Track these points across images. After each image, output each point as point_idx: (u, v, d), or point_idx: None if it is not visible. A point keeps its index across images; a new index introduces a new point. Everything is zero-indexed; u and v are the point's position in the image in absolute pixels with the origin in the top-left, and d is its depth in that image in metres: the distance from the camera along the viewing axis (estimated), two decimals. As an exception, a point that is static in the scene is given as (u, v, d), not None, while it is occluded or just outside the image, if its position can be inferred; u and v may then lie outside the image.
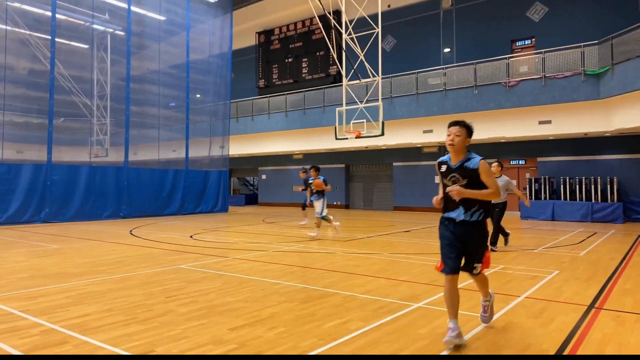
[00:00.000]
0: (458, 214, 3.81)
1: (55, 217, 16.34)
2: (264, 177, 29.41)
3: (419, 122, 20.11)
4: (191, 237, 11.85)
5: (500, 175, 9.15)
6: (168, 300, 5.21)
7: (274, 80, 28.13)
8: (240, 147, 25.91)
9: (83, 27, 19.95)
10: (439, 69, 20.07)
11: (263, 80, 28.59)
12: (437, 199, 3.90)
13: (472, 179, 3.74)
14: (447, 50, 22.17)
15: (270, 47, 28.38)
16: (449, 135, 3.82)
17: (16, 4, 17.44)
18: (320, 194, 11.23)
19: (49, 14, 17.22)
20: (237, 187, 34.87)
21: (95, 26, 20.15)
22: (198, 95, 23.01)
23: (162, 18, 21.46)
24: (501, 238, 9.60)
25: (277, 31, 28.10)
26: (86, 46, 20.59)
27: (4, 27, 17.17)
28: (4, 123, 16.85)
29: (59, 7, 17.64)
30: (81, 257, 8.50)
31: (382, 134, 16.20)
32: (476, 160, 3.76)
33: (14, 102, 17.49)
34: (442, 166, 3.96)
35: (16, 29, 17.41)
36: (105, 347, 3.67)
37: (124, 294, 5.55)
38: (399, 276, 6.63)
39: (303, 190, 14.39)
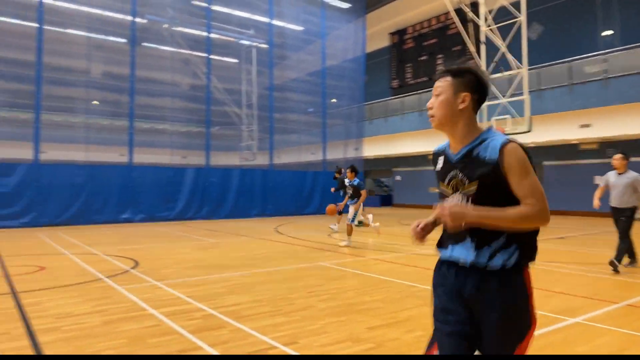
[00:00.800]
0: (464, 254, 1.85)
1: (213, 215, 18.40)
2: (398, 178, 29.20)
3: (574, 116, 17.95)
4: (329, 235, 12.30)
5: (626, 171, 6.91)
6: (309, 296, 5.48)
7: (407, 80, 27.78)
8: (374, 148, 26.13)
9: (233, 44, 22.15)
10: (599, 54, 17.68)
11: (397, 81, 28.43)
12: (418, 226, 1.92)
13: (490, 182, 1.78)
14: (608, 32, 19.43)
15: (403, 46, 28.11)
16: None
17: (179, 28, 20.14)
18: (357, 197, 10.11)
19: (205, 34, 19.51)
20: (372, 188, 35.22)
21: (242, 41, 22.20)
22: (333, 100, 23.83)
23: (300, 28, 22.74)
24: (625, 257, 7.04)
25: (410, 30, 27.71)
26: (235, 60, 22.80)
27: (170, 49, 19.98)
28: (172, 133, 19.62)
29: (213, 27, 19.86)
30: (235, 251, 9.41)
31: (529, 130, 14.87)
32: (497, 142, 1.78)
33: (179, 114, 20.23)
34: (439, 160, 2.01)
35: (180, 50, 20.10)
36: (254, 334, 4.00)
37: (270, 287, 5.99)
38: (553, 287, 5.99)
39: (335, 191, 13.91)
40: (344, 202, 10.63)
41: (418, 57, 27.13)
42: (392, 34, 28.71)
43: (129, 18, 17.54)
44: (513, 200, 1.75)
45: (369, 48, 27.01)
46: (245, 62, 22.63)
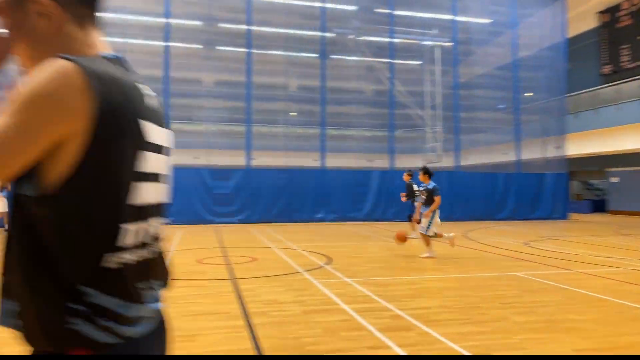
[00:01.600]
0: None
1: (399, 217, 18.59)
2: (615, 179, 24.88)
3: None
4: (526, 244, 11.21)
5: None
6: (503, 307, 5.07)
7: (622, 64, 23.51)
8: (581, 145, 22.80)
9: (415, 46, 22.08)
10: None
11: (609, 66, 24.32)
12: None
13: None
14: None
15: (616, 25, 23.89)
16: None
17: (363, 37, 21.01)
18: (430, 204, 8.76)
19: (388, 39, 19.92)
20: (578, 192, 30.80)
21: (425, 42, 21.95)
22: (528, 94, 21.68)
23: (487, 21, 21.37)
24: None
25: (625, 5, 23.39)
26: (418, 62, 22.67)
27: (355, 58, 21.01)
28: (358, 138, 20.60)
29: (396, 32, 20.15)
30: (422, 254, 9.34)
31: None
32: None
33: (364, 120, 21.11)
34: None
35: (364, 58, 20.97)
36: (443, 340, 3.88)
37: (459, 293, 5.74)
38: None
39: (407, 198, 11.79)
40: (418, 209, 9.46)
41: (637, 35, 22.72)
42: (602, 12, 24.68)
43: (319, 34, 19.08)
44: None
45: (571, 32, 23.77)
46: (428, 62, 22.31)
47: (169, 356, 1.24)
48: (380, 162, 20.18)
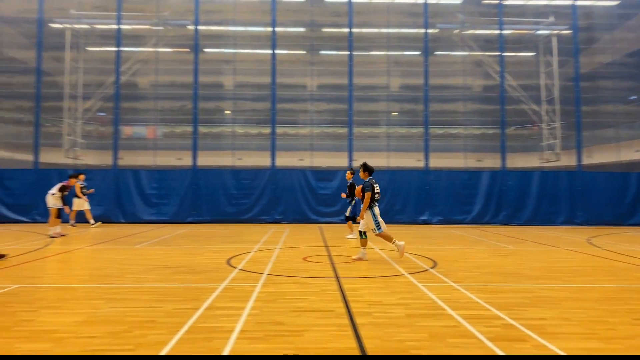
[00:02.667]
0: None
1: (510, 220, 17.43)
2: None
3: None
4: (664, 252, 9.80)
5: None
6: (635, 323, 4.49)
7: None
8: None
9: (528, 36, 20.48)
10: None
11: None
12: None
13: None
14: None
15: None
16: None
17: (470, 31, 20.02)
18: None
19: (497, 32, 18.74)
20: None
21: (539, 32, 20.27)
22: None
23: (614, 3, 19.12)
24: None
25: None
26: (532, 54, 21.01)
27: (461, 53, 20.11)
28: (465, 136, 19.66)
29: (505, 23, 18.88)
30: (536, 260, 8.64)
31: None
32: None
33: (472, 117, 20.11)
34: None
35: (471, 53, 19.97)
36: (563, 355, 3.55)
37: (582, 305, 5.20)
38: None
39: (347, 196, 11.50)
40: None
41: None
42: None
43: (422, 31, 18.61)
44: None
45: None
46: (544, 53, 20.56)
47: (169, 356, 1.30)
48: (490, 162, 19.07)
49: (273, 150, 17.77)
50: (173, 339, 3.92)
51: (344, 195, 12.36)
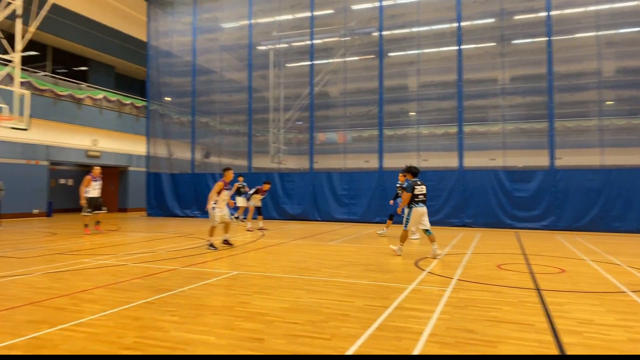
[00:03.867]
0: None
1: None
2: None
3: None
4: None
5: None
6: None
7: None
8: None
9: None
10: None
11: None
12: None
13: None
14: None
15: None
16: None
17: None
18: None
19: None
20: None
21: None
22: None
23: None
24: None
25: None
26: None
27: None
28: None
29: None
30: None
31: None
32: None
33: None
34: None
35: None
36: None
37: None
38: None
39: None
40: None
41: None
42: None
43: (644, 1, 15.43)
44: None
45: None
46: None
47: (169, 356, 1.26)
48: None
49: (461, 150, 17.04)
50: (364, 334, 4.09)
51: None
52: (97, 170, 13.16)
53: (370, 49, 19.97)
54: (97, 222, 13.29)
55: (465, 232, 14.76)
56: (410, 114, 20.77)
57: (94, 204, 12.94)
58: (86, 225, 12.72)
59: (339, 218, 18.18)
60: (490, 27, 18.83)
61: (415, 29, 19.23)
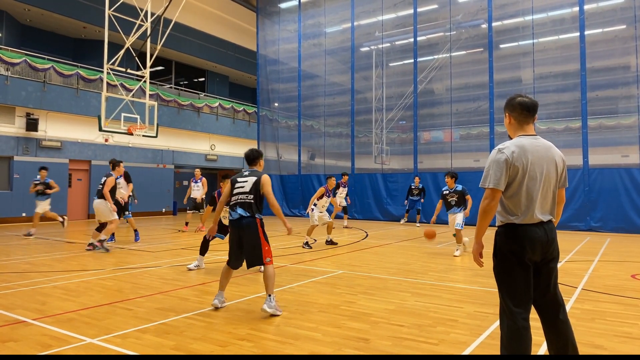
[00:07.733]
0: None
1: None
2: None
3: None
4: None
5: None
6: None
7: None
8: None
9: None
10: None
11: None
12: None
13: None
14: None
15: None
16: None
17: None
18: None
19: None
20: None
21: None
22: None
23: None
24: None
25: None
26: None
27: None
28: None
29: None
30: None
31: None
32: None
33: None
34: None
35: None
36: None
37: None
38: None
39: None
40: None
41: None
42: None
43: None
44: None
45: None
46: None
47: (169, 356, 1.18)
48: None
49: (585, 146, 15.41)
50: (475, 341, 3.89)
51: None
52: (198, 172, 14.20)
53: (478, 41, 18.94)
54: (186, 223, 14.26)
55: (591, 236, 13.31)
56: (524, 108, 19.27)
57: (194, 205, 13.91)
58: (202, 223, 13.88)
59: (446, 220, 17.45)
60: (620, 8, 16.78)
61: (528, 17, 17.82)
